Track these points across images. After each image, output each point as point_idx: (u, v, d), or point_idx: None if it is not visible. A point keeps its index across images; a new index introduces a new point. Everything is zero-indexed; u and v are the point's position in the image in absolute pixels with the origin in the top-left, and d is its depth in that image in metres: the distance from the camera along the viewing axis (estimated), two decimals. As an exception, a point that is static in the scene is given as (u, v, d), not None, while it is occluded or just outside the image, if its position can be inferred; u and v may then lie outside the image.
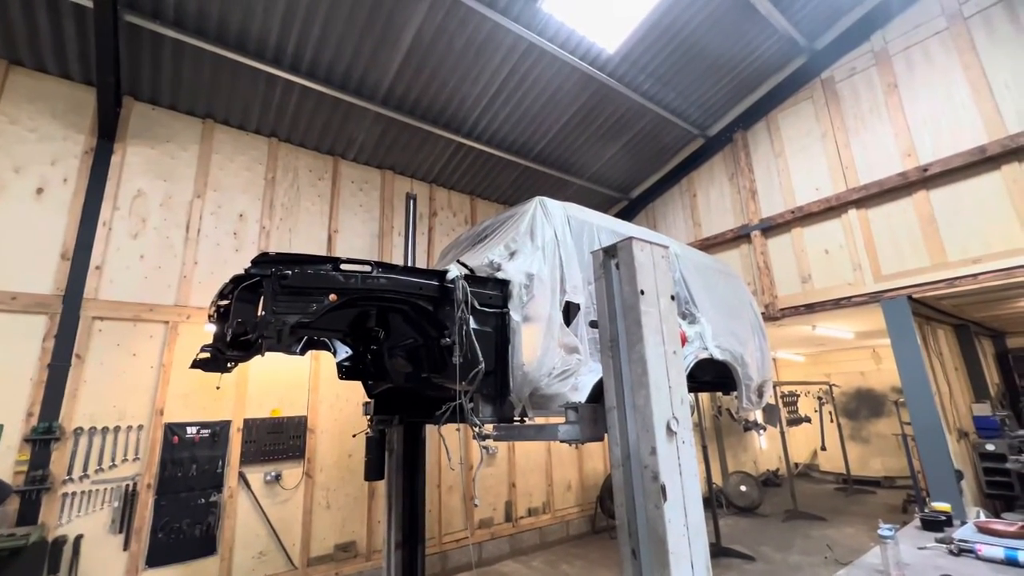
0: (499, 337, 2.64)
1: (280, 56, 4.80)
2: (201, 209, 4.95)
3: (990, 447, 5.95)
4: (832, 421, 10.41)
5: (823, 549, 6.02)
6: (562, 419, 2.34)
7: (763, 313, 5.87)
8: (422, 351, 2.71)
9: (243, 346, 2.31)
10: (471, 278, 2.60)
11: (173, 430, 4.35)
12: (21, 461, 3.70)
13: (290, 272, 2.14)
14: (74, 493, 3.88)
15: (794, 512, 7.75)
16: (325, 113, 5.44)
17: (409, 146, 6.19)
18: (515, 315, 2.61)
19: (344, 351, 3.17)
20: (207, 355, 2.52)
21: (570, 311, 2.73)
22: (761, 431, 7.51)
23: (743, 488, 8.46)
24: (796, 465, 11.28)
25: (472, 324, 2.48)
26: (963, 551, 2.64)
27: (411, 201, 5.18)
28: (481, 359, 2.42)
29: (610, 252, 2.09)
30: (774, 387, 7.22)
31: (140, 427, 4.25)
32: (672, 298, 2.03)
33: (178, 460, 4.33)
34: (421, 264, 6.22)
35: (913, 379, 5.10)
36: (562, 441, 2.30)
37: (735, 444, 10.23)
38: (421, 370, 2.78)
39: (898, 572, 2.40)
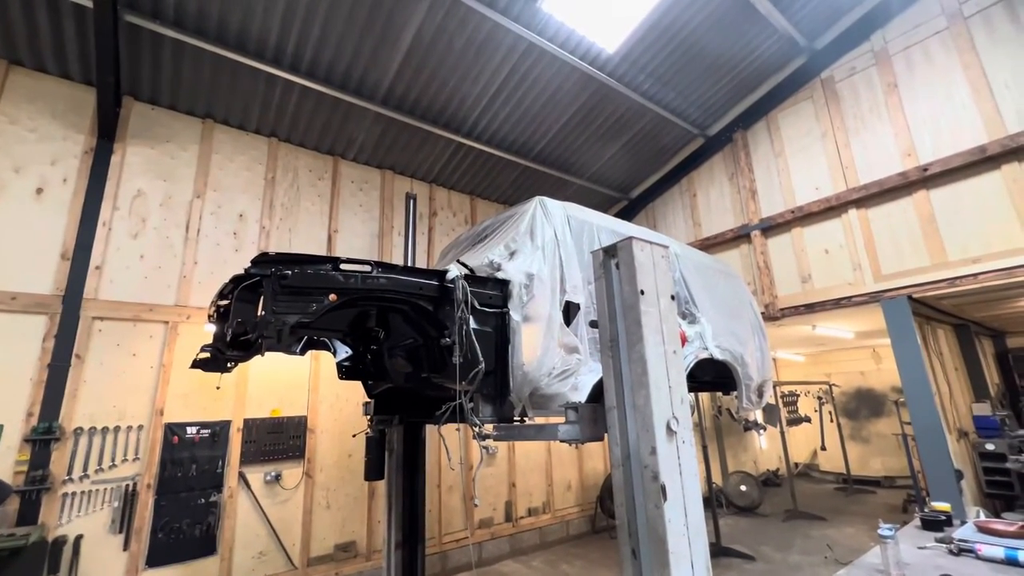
0: (499, 337, 2.63)
1: (280, 56, 4.80)
2: (201, 209, 4.95)
3: (990, 447, 5.95)
4: (832, 421, 10.42)
5: (823, 549, 6.02)
6: (562, 419, 2.34)
7: (763, 313, 5.87)
8: (422, 351, 2.71)
9: (243, 346, 2.31)
10: (471, 278, 2.60)
11: (173, 430, 4.35)
12: (21, 461, 3.70)
13: (290, 272, 2.14)
14: (74, 493, 3.88)
15: (794, 512, 7.75)
16: (325, 113, 5.44)
17: (409, 146, 6.19)
18: (515, 315, 2.60)
19: (344, 351, 3.17)
20: (207, 355, 2.53)
21: (570, 311, 2.73)
22: (761, 431, 7.51)
23: (743, 488, 8.47)
24: (796, 465, 11.28)
25: (472, 324, 2.48)
26: (963, 551, 2.64)
27: (411, 201, 5.19)
28: (481, 359, 2.42)
29: (610, 252, 2.09)
30: (774, 387, 7.22)
31: (140, 427, 4.25)
32: (672, 298, 2.03)
33: (178, 460, 4.33)
34: (421, 264, 6.22)
35: (913, 379, 5.10)
36: (562, 441, 2.30)
37: (735, 444, 10.23)
38: (421, 370, 2.78)
39: (898, 572, 2.40)
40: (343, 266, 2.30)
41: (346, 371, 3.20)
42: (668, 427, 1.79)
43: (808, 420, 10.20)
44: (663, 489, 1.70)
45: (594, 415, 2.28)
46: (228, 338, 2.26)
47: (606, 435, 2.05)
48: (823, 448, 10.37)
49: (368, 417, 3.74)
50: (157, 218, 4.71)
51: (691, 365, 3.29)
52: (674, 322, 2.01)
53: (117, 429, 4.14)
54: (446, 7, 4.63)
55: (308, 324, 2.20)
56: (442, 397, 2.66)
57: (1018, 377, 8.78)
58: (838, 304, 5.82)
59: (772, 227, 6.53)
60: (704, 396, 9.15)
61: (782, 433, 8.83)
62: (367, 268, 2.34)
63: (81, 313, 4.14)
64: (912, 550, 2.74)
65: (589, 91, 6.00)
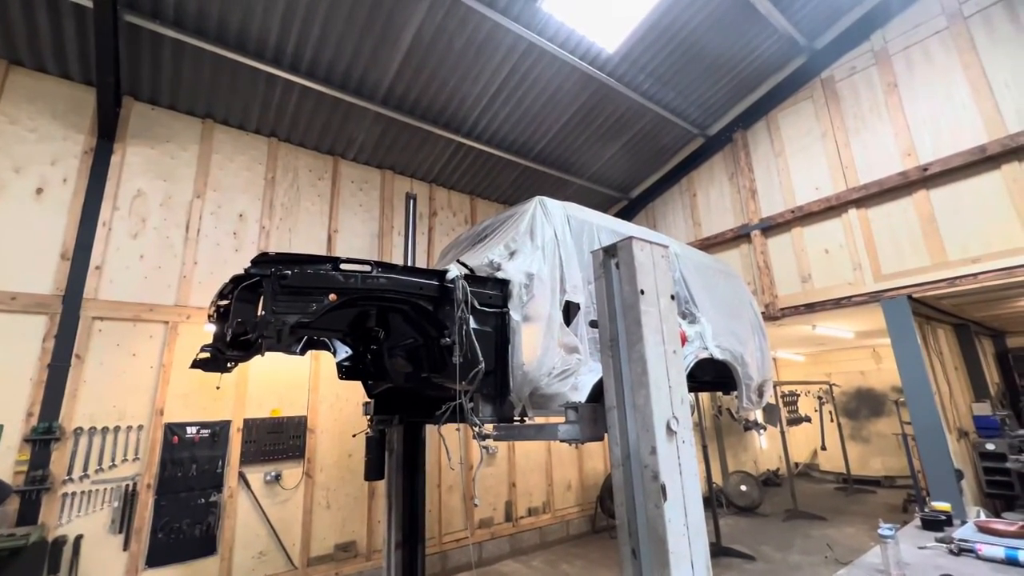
0: (499, 337, 2.63)
1: (280, 56, 4.80)
2: (201, 209, 4.95)
3: (990, 446, 5.95)
4: (832, 421, 10.42)
5: (823, 549, 6.02)
6: (562, 419, 2.34)
7: (763, 313, 5.87)
8: (422, 351, 2.71)
9: (243, 346, 2.31)
10: (471, 278, 2.60)
11: (173, 430, 4.35)
12: (21, 461, 3.70)
13: (290, 272, 2.14)
14: (74, 493, 3.88)
15: (794, 512, 7.75)
16: (325, 113, 5.44)
17: (409, 146, 6.19)
18: (515, 315, 2.60)
19: (344, 351, 3.17)
20: (207, 355, 2.52)
21: (570, 311, 2.73)
22: (761, 431, 7.52)
23: (743, 488, 8.46)
24: (796, 465, 11.28)
25: (472, 324, 2.48)
26: (963, 551, 2.63)
27: (411, 201, 5.18)
28: (481, 359, 2.42)
29: (610, 252, 2.09)
30: (774, 387, 7.22)
31: (140, 427, 4.25)
32: (672, 298, 2.03)
33: (178, 460, 4.33)
34: (421, 264, 6.22)
35: (913, 378, 5.10)
36: (562, 441, 2.30)
37: (735, 444, 10.23)
38: (421, 370, 2.77)
39: (898, 572, 2.40)
40: (343, 266, 2.29)
41: (346, 371, 3.20)
42: (668, 427, 1.79)
43: (808, 420, 10.20)
44: (663, 489, 1.69)
45: (594, 415, 2.28)
46: (228, 338, 2.26)
47: (606, 435, 2.05)
48: (823, 448, 10.38)
49: (368, 417, 3.74)
50: (157, 218, 4.71)
51: (691, 365, 3.29)
52: (674, 322, 2.01)
53: (117, 429, 4.14)
54: (446, 7, 4.63)
55: (308, 324, 2.20)
56: (442, 397, 2.66)
57: (1018, 377, 8.79)
58: (838, 304, 5.82)
59: (772, 227, 6.53)
60: (704, 396, 9.15)
61: (782, 433, 8.83)
62: (367, 268, 2.34)
63: (81, 313, 4.14)
64: (912, 550, 2.73)
65: (589, 91, 6.00)
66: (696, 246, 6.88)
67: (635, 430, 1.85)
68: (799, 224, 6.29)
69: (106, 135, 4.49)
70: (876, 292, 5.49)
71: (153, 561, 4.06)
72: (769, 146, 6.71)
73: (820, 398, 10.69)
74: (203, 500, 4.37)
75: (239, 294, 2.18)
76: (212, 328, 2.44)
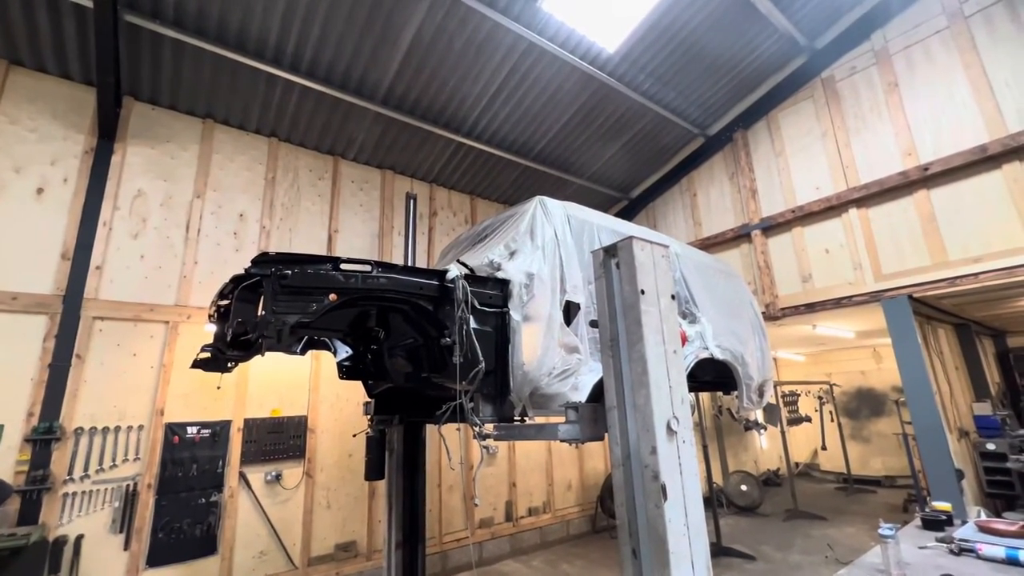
0: (499, 337, 2.63)
1: (280, 56, 4.80)
2: (201, 209, 4.95)
3: (991, 446, 5.94)
4: (833, 420, 10.42)
5: (824, 548, 6.02)
6: (562, 419, 2.34)
7: (763, 312, 5.86)
8: (422, 351, 2.71)
9: (243, 346, 2.31)
10: (471, 278, 2.60)
11: (173, 430, 4.35)
12: (22, 461, 3.71)
13: (290, 272, 2.14)
14: (75, 493, 3.89)
15: (795, 511, 7.74)
16: (325, 113, 5.44)
17: (409, 146, 6.18)
18: (515, 315, 2.60)
19: (344, 351, 3.17)
20: (207, 355, 2.52)
21: (570, 311, 2.72)
22: (762, 430, 7.52)
23: (744, 487, 8.46)
24: (797, 464, 11.27)
25: (472, 324, 2.48)
26: (964, 550, 2.63)
27: (411, 201, 5.18)
28: (481, 359, 2.42)
29: (610, 251, 2.08)
30: (774, 386, 7.22)
31: (140, 427, 4.25)
32: (672, 297, 2.03)
33: (178, 460, 4.33)
34: (421, 264, 6.22)
35: (914, 378, 5.09)
36: (562, 441, 2.30)
37: (735, 444, 10.22)
38: (421, 370, 2.77)
39: (899, 571, 2.39)
40: (343, 266, 2.29)
41: (346, 371, 3.20)
42: (668, 427, 1.79)
43: (808, 420, 10.19)
44: (663, 489, 1.69)
45: (594, 415, 2.28)
46: (228, 338, 2.26)
47: (606, 435, 2.05)
48: (824, 448, 10.38)
49: (368, 417, 3.74)
50: (157, 218, 4.71)
51: (691, 365, 3.28)
52: (674, 322, 2.01)
53: (118, 429, 4.14)
54: (446, 7, 4.63)
55: (308, 324, 2.21)
56: (442, 397, 2.66)
57: (1019, 376, 8.78)
58: (839, 304, 5.81)
59: (772, 227, 6.52)
60: (704, 396, 9.15)
61: (782, 433, 8.82)
62: (367, 268, 2.34)
63: (81, 313, 4.14)
64: (913, 550, 2.73)
65: (589, 91, 6.00)
66: (696, 246, 6.88)
67: (635, 430, 1.85)
68: (799, 224, 6.29)
69: (106, 135, 4.49)
70: (876, 292, 5.48)
71: (154, 561, 4.06)
72: (769, 146, 6.71)
73: (820, 398, 10.68)
74: (204, 500, 4.38)
75: (239, 294, 2.18)
76: (212, 328, 2.44)
